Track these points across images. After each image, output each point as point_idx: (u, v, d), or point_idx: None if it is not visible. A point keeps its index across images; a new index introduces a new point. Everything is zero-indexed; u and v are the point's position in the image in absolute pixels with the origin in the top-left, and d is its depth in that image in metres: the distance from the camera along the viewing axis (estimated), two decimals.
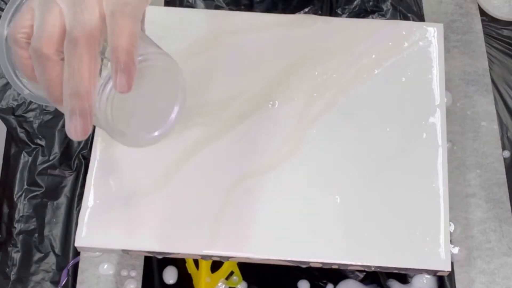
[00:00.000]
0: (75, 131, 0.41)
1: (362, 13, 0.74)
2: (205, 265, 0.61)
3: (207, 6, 0.74)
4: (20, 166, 0.66)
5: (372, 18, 0.73)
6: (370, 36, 0.61)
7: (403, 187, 0.56)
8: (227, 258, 0.54)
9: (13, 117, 0.68)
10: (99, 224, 0.54)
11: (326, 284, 0.62)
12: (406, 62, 0.60)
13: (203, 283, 0.60)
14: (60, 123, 0.68)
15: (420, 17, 0.73)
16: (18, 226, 0.64)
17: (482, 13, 0.73)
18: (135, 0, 0.42)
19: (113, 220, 0.54)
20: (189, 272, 0.62)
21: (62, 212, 0.64)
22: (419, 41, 0.61)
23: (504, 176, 0.64)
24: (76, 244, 0.54)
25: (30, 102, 0.69)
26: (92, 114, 0.41)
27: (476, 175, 0.64)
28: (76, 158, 0.67)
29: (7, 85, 0.70)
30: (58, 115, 0.68)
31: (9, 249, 0.63)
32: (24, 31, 0.43)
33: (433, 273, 0.55)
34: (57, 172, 0.66)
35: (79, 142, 0.67)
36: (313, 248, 0.54)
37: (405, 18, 0.73)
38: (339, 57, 0.61)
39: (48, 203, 0.65)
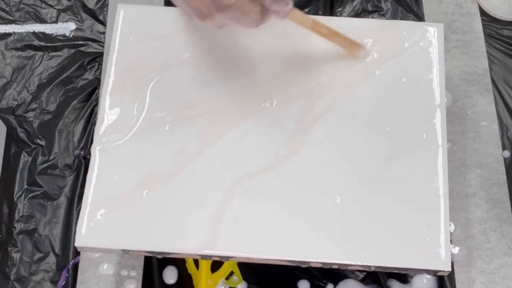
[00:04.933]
0: None
1: (362, 13, 0.74)
2: (205, 265, 0.61)
3: None
4: (20, 166, 0.66)
5: (372, 18, 0.73)
6: (370, 36, 0.61)
7: (403, 187, 0.56)
8: (227, 258, 0.54)
9: (13, 117, 0.68)
10: (99, 224, 0.54)
11: (326, 284, 0.62)
12: (406, 62, 0.60)
13: (203, 283, 0.60)
14: (60, 123, 0.68)
15: (420, 17, 0.73)
16: (18, 226, 0.64)
17: (482, 13, 0.73)
18: None
19: (113, 220, 0.54)
20: (189, 272, 0.62)
21: (62, 212, 0.64)
22: (419, 41, 0.61)
23: (504, 176, 0.64)
24: (76, 244, 0.54)
25: (30, 102, 0.69)
26: None
27: (476, 175, 0.64)
28: (76, 158, 0.67)
29: (7, 85, 0.70)
30: (58, 115, 0.68)
31: (9, 249, 0.63)
32: None
33: (433, 273, 0.55)
34: (57, 172, 0.66)
35: (79, 142, 0.67)
36: (313, 248, 0.54)
37: (405, 18, 0.73)
38: (339, 57, 0.61)
39: (48, 203, 0.65)
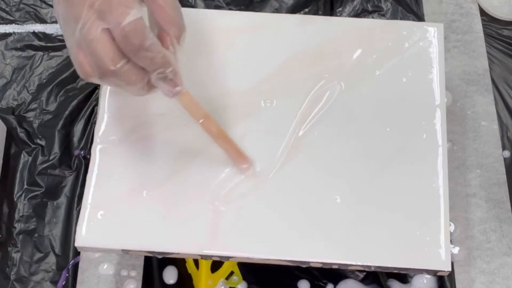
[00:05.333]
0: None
1: (362, 13, 0.74)
2: (205, 265, 0.61)
3: (207, 6, 0.74)
4: (20, 166, 0.66)
5: (372, 18, 0.73)
6: (370, 36, 0.61)
7: (403, 187, 0.56)
8: (227, 258, 0.54)
9: (13, 117, 0.68)
10: (99, 224, 0.54)
11: (326, 284, 0.62)
12: (406, 62, 0.60)
13: (203, 283, 0.60)
14: (60, 123, 0.68)
15: (420, 17, 0.73)
16: (18, 226, 0.64)
17: (482, 13, 0.73)
18: None
19: (113, 220, 0.54)
20: (189, 272, 0.62)
21: (62, 212, 0.64)
22: (419, 41, 0.61)
23: (504, 176, 0.64)
24: (76, 244, 0.54)
25: (30, 102, 0.69)
26: None
27: (476, 175, 0.64)
28: (76, 158, 0.67)
29: (7, 85, 0.70)
30: (58, 115, 0.68)
31: (9, 249, 0.63)
32: None
33: (433, 273, 0.55)
34: (57, 172, 0.66)
35: (79, 142, 0.67)
36: (313, 248, 0.54)
37: (405, 18, 0.73)
38: (339, 57, 0.61)
39: (48, 203, 0.65)
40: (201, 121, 0.52)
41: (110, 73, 0.46)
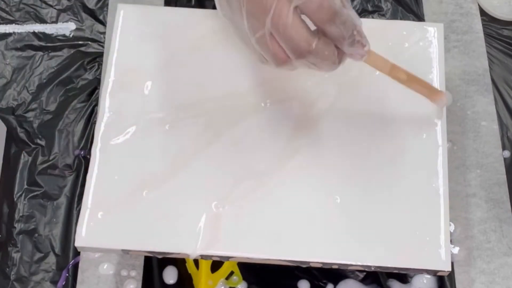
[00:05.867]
0: None
1: (362, 13, 0.74)
2: (205, 265, 0.61)
3: (207, 6, 0.74)
4: (20, 166, 0.66)
5: (372, 18, 0.73)
6: (370, 36, 0.61)
7: (403, 187, 0.56)
8: (227, 258, 0.54)
9: (13, 117, 0.68)
10: (99, 224, 0.54)
11: (326, 284, 0.62)
12: (406, 62, 0.60)
13: (203, 283, 0.60)
14: (60, 123, 0.68)
15: (420, 17, 0.73)
16: (18, 226, 0.64)
17: (482, 13, 0.73)
18: None
19: (113, 220, 0.54)
20: (189, 272, 0.62)
21: (62, 212, 0.64)
22: (419, 41, 0.61)
23: (504, 176, 0.64)
24: (76, 244, 0.54)
25: (30, 102, 0.69)
26: None
27: (476, 175, 0.64)
28: (76, 158, 0.67)
29: (6, 85, 0.70)
30: (58, 115, 0.68)
31: (9, 249, 0.63)
32: None
33: (433, 273, 0.55)
34: (57, 172, 0.66)
35: (79, 142, 0.67)
36: (313, 248, 0.54)
37: (405, 18, 0.73)
38: None
39: (48, 203, 0.65)
40: (389, 72, 0.54)
41: (307, 53, 0.48)
